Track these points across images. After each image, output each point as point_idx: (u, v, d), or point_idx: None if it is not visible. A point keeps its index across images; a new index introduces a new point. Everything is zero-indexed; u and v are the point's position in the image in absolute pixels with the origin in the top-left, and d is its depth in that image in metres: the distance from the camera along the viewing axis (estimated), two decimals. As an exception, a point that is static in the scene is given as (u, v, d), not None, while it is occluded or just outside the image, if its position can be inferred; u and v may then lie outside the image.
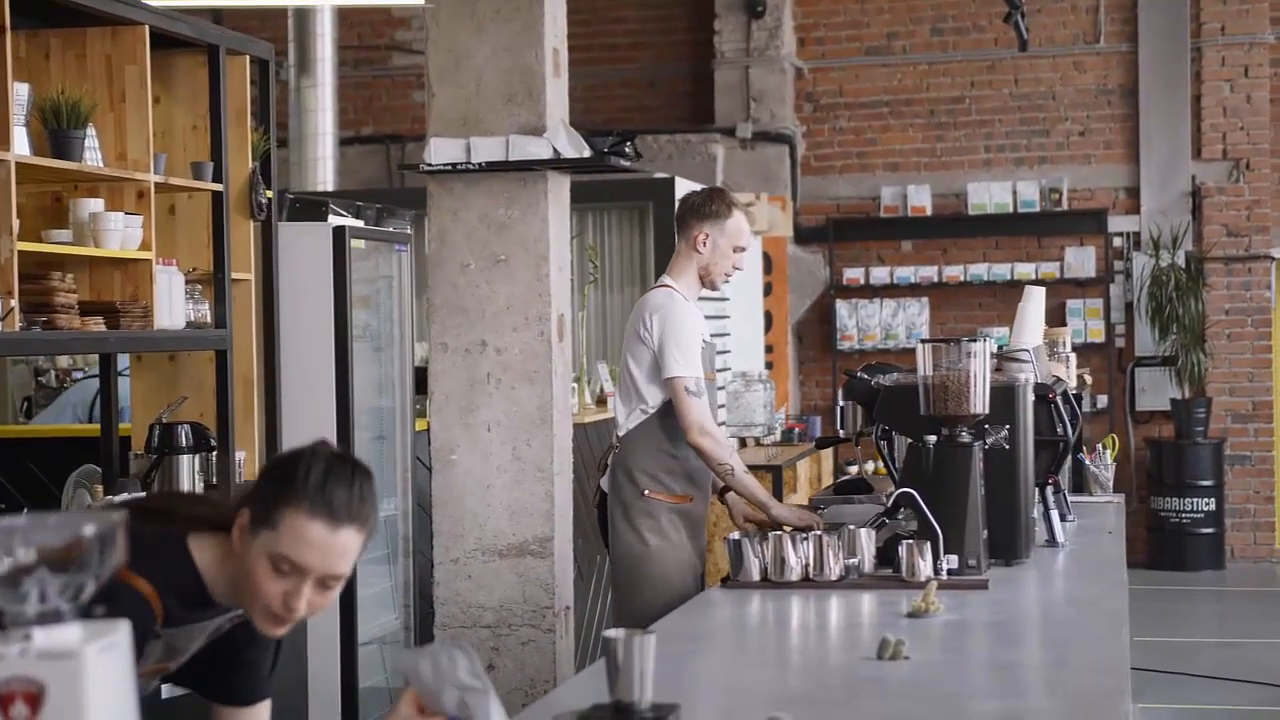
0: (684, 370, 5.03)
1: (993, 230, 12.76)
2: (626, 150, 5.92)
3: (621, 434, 5.23)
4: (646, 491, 5.14)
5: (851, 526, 4.34)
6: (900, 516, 4.42)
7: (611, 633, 2.71)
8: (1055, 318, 12.29)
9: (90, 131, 4.84)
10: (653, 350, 5.09)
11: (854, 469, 11.66)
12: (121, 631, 1.76)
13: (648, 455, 5.16)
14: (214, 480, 5.56)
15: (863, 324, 12.87)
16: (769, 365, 12.24)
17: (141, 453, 5.50)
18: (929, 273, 12.75)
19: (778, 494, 8.72)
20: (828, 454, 11.28)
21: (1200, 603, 11.44)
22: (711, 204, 5.26)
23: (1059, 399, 4.99)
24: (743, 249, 5.28)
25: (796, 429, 11.22)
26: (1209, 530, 12.19)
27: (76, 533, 1.74)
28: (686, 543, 5.18)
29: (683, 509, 5.17)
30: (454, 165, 5.63)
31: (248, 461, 5.81)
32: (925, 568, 4.14)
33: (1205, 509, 12.16)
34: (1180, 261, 12.26)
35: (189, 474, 5.38)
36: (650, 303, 5.20)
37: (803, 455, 9.90)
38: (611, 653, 2.70)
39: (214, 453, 5.54)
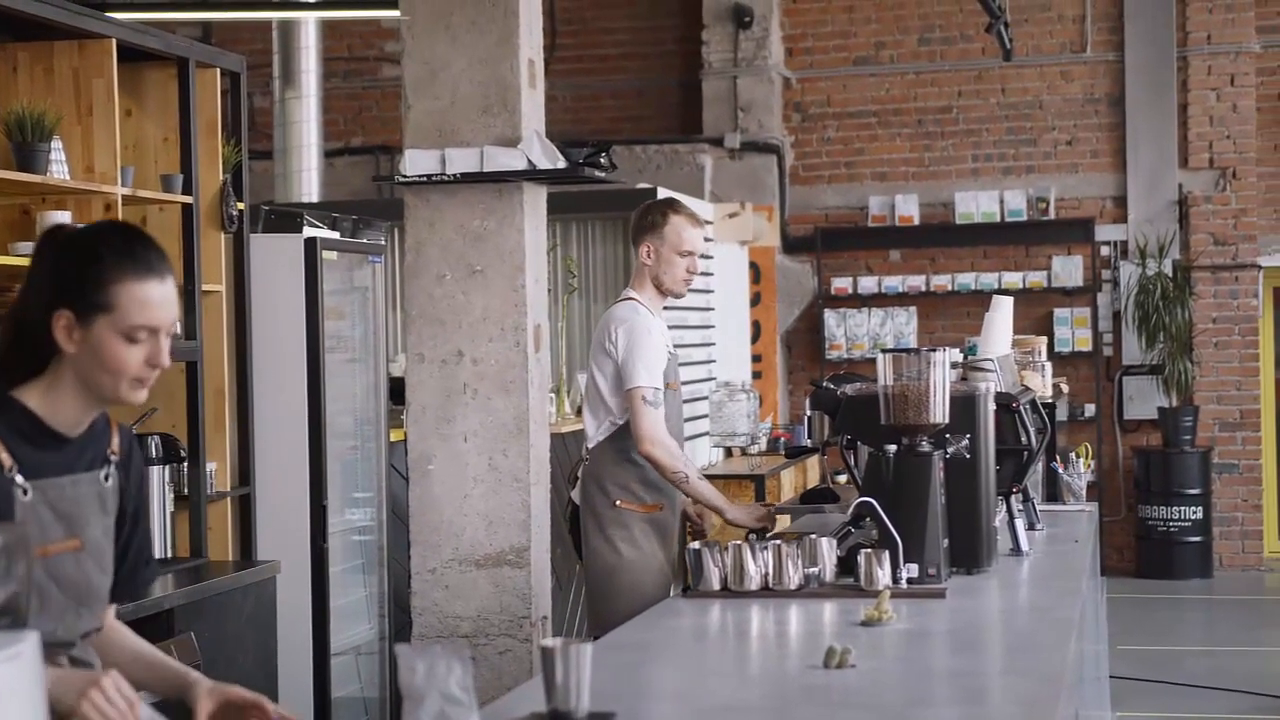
0: (644, 381, 5.11)
1: (980, 240, 12.78)
2: (601, 161, 5.94)
3: (591, 445, 5.30)
4: (618, 502, 5.20)
5: (813, 535, 4.36)
6: (864, 525, 4.43)
7: (548, 642, 2.74)
8: (1042, 327, 12.32)
9: (56, 144, 4.86)
10: (616, 362, 5.18)
11: (842, 478, 11.66)
12: (29, 642, 1.78)
13: (617, 466, 5.23)
14: (185, 492, 5.57)
15: (851, 333, 12.88)
16: (757, 375, 12.26)
17: (113, 464, 5.50)
18: (917, 282, 12.76)
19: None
20: (814, 463, 11.28)
21: (1187, 611, 11.45)
22: (647, 216, 5.35)
23: (1024, 408, 5.00)
24: (689, 253, 5.31)
25: (783, 438, 11.23)
26: (1196, 539, 12.20)
27: (-20, 544, 1.76)
28: (658, 551, 5.23)
29: (654, 518, 5.22)
30: (429, 177, 5.65)
31: (219, 473, 5.82)
32: (884, 577, 4.15)
33: (1193, 517, 12.16)
34: (1167, 270, 12.28)
35: (159, 485, 5.39)
36: (615, 316, 5.28)
37: (786, 465, 9.90)
38: (548, 662, 2.72)
39: (184, 464, 5.56)
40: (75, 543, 2.72)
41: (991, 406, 4.65)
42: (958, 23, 12.87)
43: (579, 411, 8.14)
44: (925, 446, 4.37)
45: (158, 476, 5.39)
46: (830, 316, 12.87)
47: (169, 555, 5.46)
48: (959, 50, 12.91)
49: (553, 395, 7.89)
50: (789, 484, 9.89)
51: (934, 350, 4.39)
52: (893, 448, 4.37)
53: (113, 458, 2.81)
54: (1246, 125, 12.48)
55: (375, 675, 6.78)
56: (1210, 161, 12.53)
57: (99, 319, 2.64)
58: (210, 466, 5.69)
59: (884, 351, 4.43)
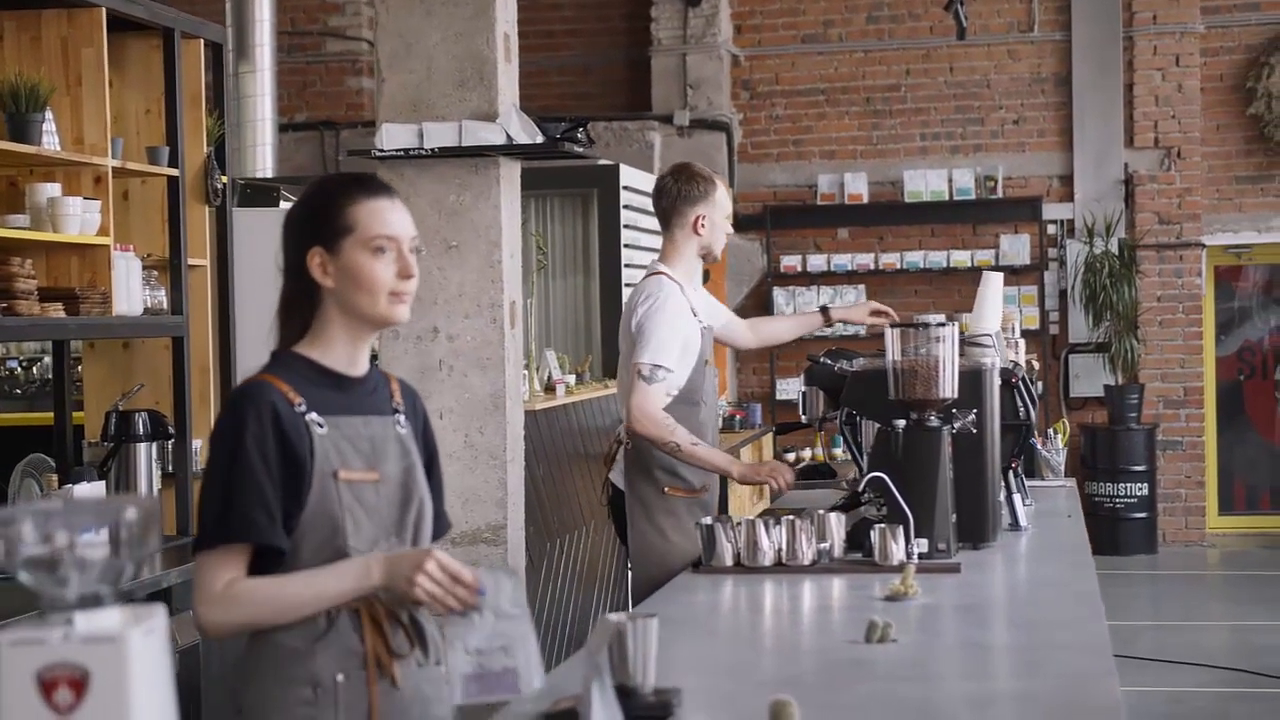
0: (646, 357, 4.96)
1: (929, 218, 12.84)
2: (579, 136, 5.90)
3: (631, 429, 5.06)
4: (667, 489, 5.06)
5: (821, 511, 4.36)
6: (868, 500, 4.43)
7: (615, 616, 2.71)
8: (991, 304, 12.38)
9: (48, 115, 4.77)
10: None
11: (803, 453, 11.72)
12: (159, 617, 1.74)
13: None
14: (171, 469, 5.49)
15: (800, 311, 12.90)
16: (706, 352, 12.26)
17: (97, 440, 5.42)
18: (865, 260, 12.81)
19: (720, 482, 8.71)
20: (767, 440, 11.33)
21: (1133, 586, 11.56)
22: (697, 185, 5.19)
23: (1020, 382, 5.02)
24: (729, 216, 5.28)
25: (737, 416, 11.28)
26: (1141, 515, 12.33)
27: (116, 516, 1.72)
28: None
29: (701, 501, 5.11)
30: (406, 151, 5.59)
31: (204, 449, 5.74)
32: (899, 552, 4.16)
33: (1138, 494, 12.29)
34: (1113, 249, 12.38)
35: (146, 462, 5.31)
36: (643, 290, 5.12)
37: (744, 442, 9.93)
38: (617, 636, 2.70)
39: (171, 441, 5.48)
40: (375, 475, 2.82)
41: (997, 381, 4.67)
42: (906, 1, 12.91)
43: (549, 389, 8.11)
44: (934, 421, 4.38)
45: (145, 453, 5.32)
46: (779, 294, 12.89)
47: (155, 533, 5.38)
48: (907, 29, 12.95)
49: (524, 373, 7.84)
50: (747, 461, 9.91)
51: (943, 324, 4.39)
52: (902, 423, 4.37)
53: (399, 407, 2.93)
54: (1191, 105, 12.60)
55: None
56: (1155, 141, 12.65)
57: (344, 242, 2.81)
58: (196, 443, 5.61)
59: (893, 326, 4.43)
